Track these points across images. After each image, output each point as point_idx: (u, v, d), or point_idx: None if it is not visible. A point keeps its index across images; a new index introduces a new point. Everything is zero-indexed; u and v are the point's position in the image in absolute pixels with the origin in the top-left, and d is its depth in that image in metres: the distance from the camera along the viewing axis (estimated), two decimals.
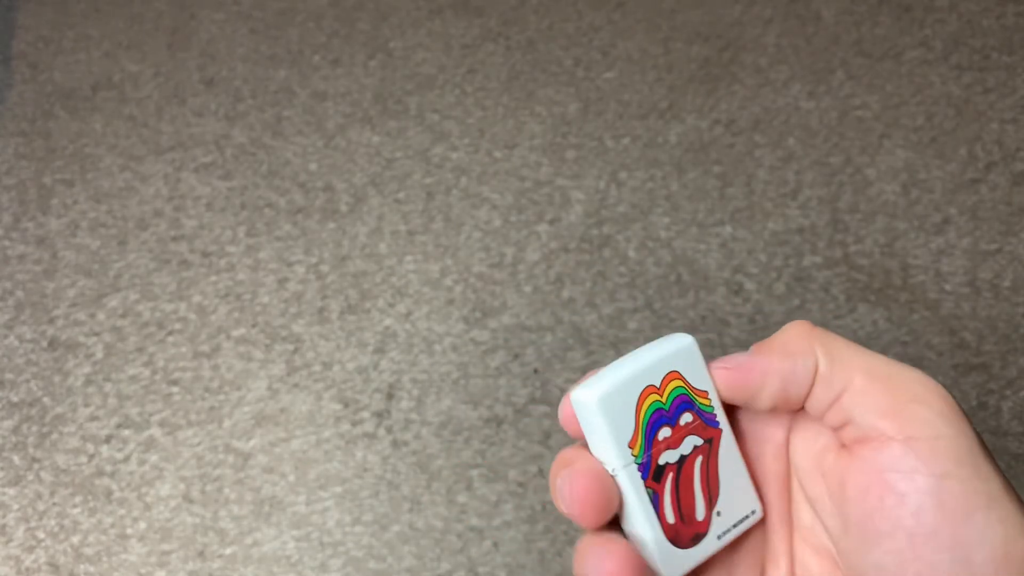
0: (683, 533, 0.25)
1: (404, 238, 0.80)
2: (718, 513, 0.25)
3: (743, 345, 0.70)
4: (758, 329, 0.71)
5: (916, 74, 0.89)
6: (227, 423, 0.69)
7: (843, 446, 0.24)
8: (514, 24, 0.98)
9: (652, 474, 0.25)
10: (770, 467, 0.26)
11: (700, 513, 0.25)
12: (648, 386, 0.25)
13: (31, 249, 0.82)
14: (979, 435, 0.22)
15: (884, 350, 0.69)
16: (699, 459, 0.25)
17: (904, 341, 0.70)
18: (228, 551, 0.63)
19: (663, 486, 0.25)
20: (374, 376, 0.71)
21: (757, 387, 0.24)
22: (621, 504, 0.24)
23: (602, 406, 0.24)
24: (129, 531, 0.65)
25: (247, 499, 0.65)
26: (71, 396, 0.72)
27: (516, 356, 0.71)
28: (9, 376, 0.74)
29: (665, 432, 0.25)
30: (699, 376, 0.25)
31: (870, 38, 0.92)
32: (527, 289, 0.75)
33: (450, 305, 0.75)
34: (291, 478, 0.66)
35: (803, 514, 0.26)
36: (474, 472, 0.66)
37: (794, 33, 0.94)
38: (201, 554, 0.63)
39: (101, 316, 0.77)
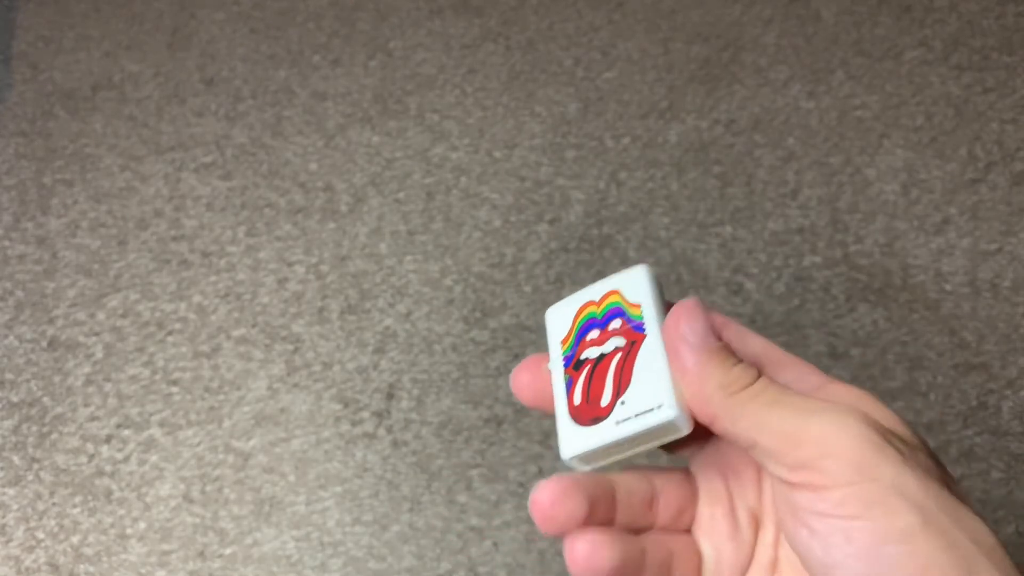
0: (584, 413, 0.27)
1: (404, 238, 0.80)
2: (622, 403, 0.26)
3: None
4: (758, 329, 0.71)
5: (916, 74, 0.89)
6: (227, 423, 0.69)
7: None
8: (514, 24, 0.98)
9: (572, 364, 0.28)
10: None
11: (605, 400, 0.27)
12: (588, 301, 0.29)
13: (31, 249, 0.82)
14: (906, 466, 0.22)
15: (884, 350, 0.70)
16: (618, 356, 0.27)
17: (904, 341, 0.70)
18: (228, 551, 0.63)
19: (579, 374, 0.28)
20: (374, 376, 0.71)
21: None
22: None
23: (548, 317, 0.30)
24: (129, 531, 0.65)
25: (247, 499, 0.65)
26: (71, 396, 0.72)
27: (516, 356, 0.71)
28: (9, 376, 0.74)
29: (593, 334, 0.28)
30: (638, 293, 0.28)
31: (870, 38, 0.92)
32: (527, 289, 0.75)
33: (450, 305, 0.75)
34: (291, 478, 0.66)
35: None
36: (474, 472, 0.66)
37: (794, 33, 0.94)
38: (201, 554, 0.63)
39: (101, 316, 0.77)
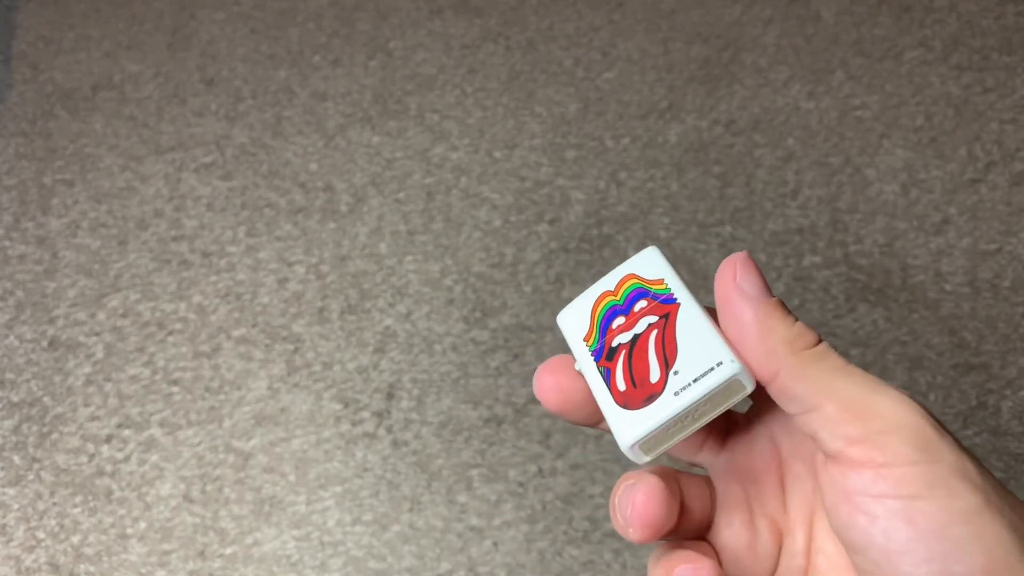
0: (634, 397, 0.25)
1: (404, 238, 0.80)
2: (675, 372, 0.24)
3: None
4: None
5: (916, 74, 0.89)
6: (227, 423, 0.69)
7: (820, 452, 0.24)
8: (514, 24, 0.98)
9: (605, 355, 0.26)
10: (800, 446, 0.26)
11: (654, 376, 0.25)
12: (604, 292, 0.27)
13: (31, 249, 0.82)
14: (963, 452, 0.22)
15: (884, 350, 0.70)
16: (654, 332, 0.25)
17: (904, 341, 0.70)
18: (228, 551, 0.63)
19: (615, 363, 0.25)
20: (374, 376, 0.71)
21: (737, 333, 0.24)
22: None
23: (562, 321, 0.28)
24: (129, 531, 0.65)
25: (247, 499, 0.65)
26: (71, 396, 0.72)
27: (516, 356, 0.71)
28: (9, 376, 0.74)
29: (619, 321, 0.26)
30: (656, 271, 0.27)
31: (870, 38, 0.92)
32: (527, 289, 0.75)
33: (450, 305, 0.75)
34: (291, 478, 0.66)
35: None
36: (474, 472, 0.66)
37: (794, 33, 0.94)
38: (201, 554, 0.63)
39: (101, 316, 0.77)
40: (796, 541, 0.26)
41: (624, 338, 0.26)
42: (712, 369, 0.24)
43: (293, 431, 0.68)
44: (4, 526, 0.66)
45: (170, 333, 0.75)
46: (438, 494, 0.65)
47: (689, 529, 0.26)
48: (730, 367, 0.24)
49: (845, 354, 0.69)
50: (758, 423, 0.27)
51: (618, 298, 0.27)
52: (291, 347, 0.73)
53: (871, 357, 0.69)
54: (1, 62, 1.00)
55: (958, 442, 0.22)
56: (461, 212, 0.81)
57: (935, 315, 0.71)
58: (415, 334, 0.73)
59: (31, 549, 0.64)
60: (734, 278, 0.24)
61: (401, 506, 0.64)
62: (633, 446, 0.24)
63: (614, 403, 0.25)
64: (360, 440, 0.68)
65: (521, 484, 0.65)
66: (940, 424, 0.22)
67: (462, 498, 0.64)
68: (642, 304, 0.26)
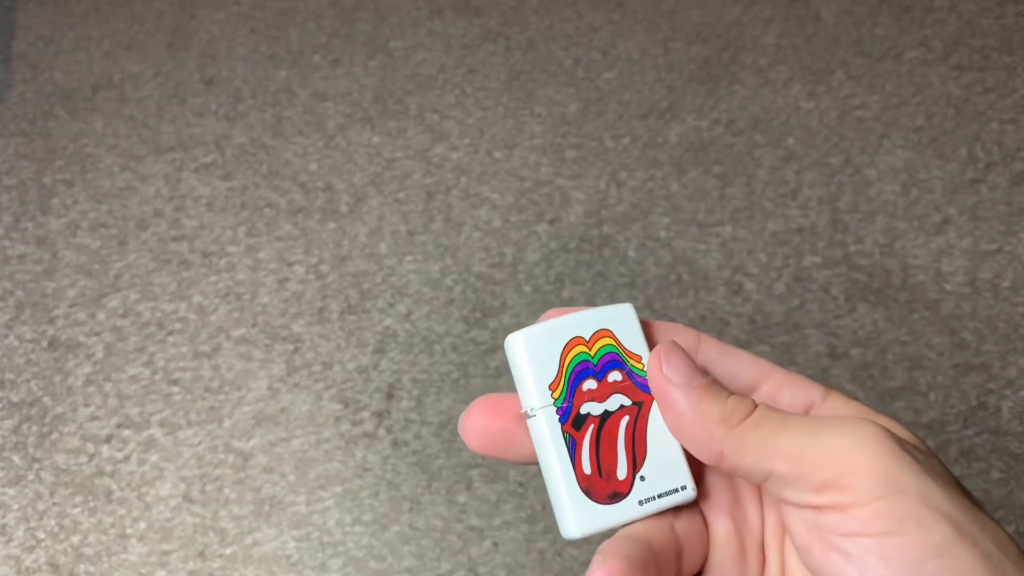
0: (599, 487, 0.24)
1: (404, 238, 0.80)
2: (642, 478, 0.24)
3: (743, 345, 0.70)
4: (758, 329, 0.71)
5: (916, 74, 0.89)
6: (227, 423, 0.69)
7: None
8: (514, 24, 0.98)
9: (572, 420, 0.24)
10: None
11: (621, 472, 0.24)
12: (576, 336, 0.25)
13: (31, 249, 0.82)
14: (925, 473, 0.21)
15: (884, 350, 0.70)
16: (625, 418, 0.24)
17: (904, 341, 0.70)
18: (228, 551, 0.63)
19: (582, 435, 0.24)
20: (374, 376, 0.71)
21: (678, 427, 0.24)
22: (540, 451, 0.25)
23: (526, 344, 0.24)
24: (129, 531, 0.65)
25: (247, 499, 0.65)
26: (71, 396, 0.72)
27: None
28: (9, 376, 0.74)
29: (590, 384, 0.24)
30: (633, 340, 0.25)
31: (870, 38, 0.92)
32: (527, 289, 0.75)
33: (450, 305, 0.75)
34: (291, 478, 0.66)
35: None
36: (474, 472, 0.66)
37: (794, 33, 0.94)
38: (201, 554, 0.63)
39: (101, 316, 0.77)
40: (771, 568, 0.26)
41: (595, 409, 0.24)
42: (676, 491, 0.24)
43: (293, 431, 0.68)
44: (4, 526, 0.66)
45: (170, 333, 0.75)
46: (438, 494, 0.65)
47: (690, 569, 0.26)
48: (691, 493, 0.24)
49: (845, 354, 0.70)
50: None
51: (591, 355, 0.25)
52: (291, 347, 0.73)
53: (871, 357, 0.69)
54: (1, 62, 1.00)
55: (920, 453, 0.22)
56: (461, 212, 0.81)
57: (935, 315, 0.71)
58: (415, 334, 0.73)
59: (31, 549, 0.64)
60: (660, 369, 0.24)
61: (401, 506, 0.64)
62: (581, 537, 0.24)
63: (576, 484, 0.24)
64: (360, 440, 0.68)
65: (521, 484, 0.65)
66: (896, 436, 0.22)
67: (462, 498, 0.64)
68: (616, 376, 0.25)
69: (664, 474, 0.24)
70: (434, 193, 0.83)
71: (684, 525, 0.25)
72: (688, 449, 0.24)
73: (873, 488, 0.21)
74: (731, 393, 0.24)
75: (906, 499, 0.21)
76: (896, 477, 0.21)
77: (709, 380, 0.24)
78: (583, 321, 0.25)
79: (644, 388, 0.25)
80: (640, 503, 0.24)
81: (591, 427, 0.24)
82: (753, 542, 0.26)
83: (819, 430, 0.22)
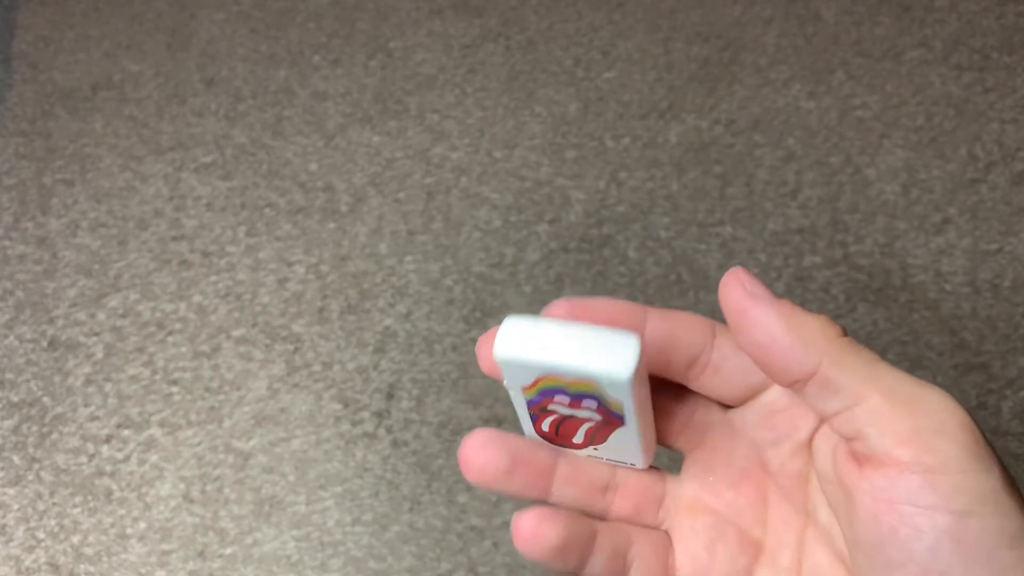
0: (553, 441, 0.26)
1: (404, 238, 0.80)
2: (595, 449, 0.26)
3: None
4: None
5: (916, 74, 0.89)
6: (227, 423, 0.69)
7: (852, 457, 0.22)
8: (514, 24, 0.98)
9: (538, 407, 0.25)
10: (787, 463, 0.25)
11: (578, 440, 0.26)
12: (555, 376, 0.23)
13: (31, 249, 0.82)
14: (1003, 466, 0.20)
15: (884, 350, 0.69)
16: (589, 424, 0.25)
17: (904, 341, 0.70)
18: (228, 551, 0.63)
19: (545, 416, 0.25)
20: (374, 376, 0.71)
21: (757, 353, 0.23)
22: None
23: (507, 356, 0.24)
24: (129, 531, 0.65)
25: (247, 499, 0.65)
26: (71, 396, 0.72)
27: None
28: (9, 376, 0.74)
29: (562, 399, 0.24)
30: (621, 394, 0.23)
31: (870, 38, 0.92)
32: (527, 289, 0.75)
33: (450, 305, 0.75)
34: (291, 478, 0.66)
35: (821, 513, 0.24)
36: None
37: (794, 33, 0.94)
38: (201, 554, 0.63)
39: (101, 316, 0.77)
40: (780, 559, 0.25)
41: (562, 409, 0.24)
42: (627, 464, 0.27)
43: (293, 431, 0.68)
44: (4, 526, 0.66)
45: (170, 333, 0.75)
46: (438, 494, 0.65)
47: (625, 512, 0.27)
48: (641, 463, 0.27)
49: None
50: (741, 424, 0.26)
51: (568, 387, 0.23)
52: (291, 347, 0.73)
53: None
54: (1, 62, 1.00)
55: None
56: (461, 212, 0.81)
57: (935, 315, 0.71)
58: (415, 334, 0.73)
59: (31, 549, 0.64)
60: (744, 288, 0.23)
61: (401, 506, 0.64)
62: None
63: (532, 431, 0.26)
64: (360, 440, 0.68)
65: None
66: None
67: (462, 498, 0.64)
68: (590, 404, 0.24)
69: (617, 453, 0.26)
70: (434, 193, 0.83)
71: (627, 474, 0.27)
72: (774, 367, 0.22)
73: (961, 457, 0.19)
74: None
75: (991, 478, 0.19)
76: (984, 453, 0.20)
77: (788, 300, 0.23)
78: (569, 364, 0.23)
79: (616, 417, 0.24)
80: (588, 455, 0.27)
81: (555, 415, 0.25)
82: (736, 520, 0.26)
83: (918, 380, 0.21)
